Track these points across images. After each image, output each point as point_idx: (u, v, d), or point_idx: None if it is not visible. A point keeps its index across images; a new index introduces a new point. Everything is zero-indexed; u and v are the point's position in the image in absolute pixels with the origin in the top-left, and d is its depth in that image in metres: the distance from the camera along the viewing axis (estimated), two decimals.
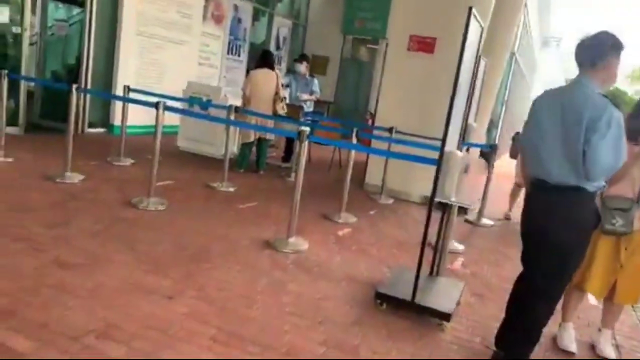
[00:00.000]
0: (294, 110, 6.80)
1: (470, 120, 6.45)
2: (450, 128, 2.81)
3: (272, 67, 6.55)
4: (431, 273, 3.47)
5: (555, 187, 2.25)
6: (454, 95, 2.75)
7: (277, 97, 6.50)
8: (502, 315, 3.32)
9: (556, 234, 2.25)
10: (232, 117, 5.70)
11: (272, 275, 3.36)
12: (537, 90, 26.58)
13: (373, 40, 13.17)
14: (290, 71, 7.84)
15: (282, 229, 4.24)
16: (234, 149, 7.04)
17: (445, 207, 3.41)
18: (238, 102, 6.69)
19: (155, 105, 4.37)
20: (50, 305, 2.53)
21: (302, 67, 7.36)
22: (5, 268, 2.86)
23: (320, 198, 5.66)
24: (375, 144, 6.34)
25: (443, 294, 3.19)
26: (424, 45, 6.22)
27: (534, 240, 2.36)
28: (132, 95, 6.03)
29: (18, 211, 3.82)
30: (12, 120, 6.53)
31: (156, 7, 8.07)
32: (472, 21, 2.80)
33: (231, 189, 5.57)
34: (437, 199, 2.85)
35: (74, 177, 4.91)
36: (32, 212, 3.83)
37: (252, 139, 6.60)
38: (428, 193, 6.47)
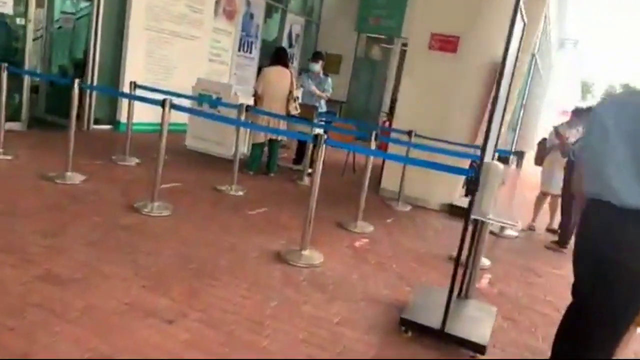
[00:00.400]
0: (308, 111, 6.49)
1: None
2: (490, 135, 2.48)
3: (286, 65, 6.25)
4: (459, 294, 3.14)
5: (622, 209, 1.92)
6: (496, 100, 2.42)
7: (290, 96, 6.19)
8: (539, 344, 3.00)
9: (624, 263, 1.91)
10: (243, 117, 5.40)
11: (284, 294, 3.05)
12: (552, 93, 26.06)
13: (388, 39, 12.83)
14: (304, 70, 7.54)
15: (294, 239, 3.93)
16: (244, 149, 6.75)
17: (476, 221, 3.08)
18: (249, 101, 6.40)
19: (162, 103, 4.07)
20: (34, 330, 2.24)
21: (318, 66, 7.04)
22: None
23: (334, 204, 5.34)
24: (392, 148, 6.01)
25: (475, 321, 2.86)
26: (446, 44, 5.88)
27: (594, 269, 2.02)
28: (138, 91, 5.75)
29: (11, 215, 3.54)
30: (15, 116, 6.29)
31: (166, 1, 7.79)
32: (517, 17, 2.47)
33: (240, 193, 5.27)
34: (473, 216, 2.52)
35: (75, 178, 4.63)
36: (25, 217, 3.54)
37: (263, 139, 6.31)
38: (447, 200, 6.21)
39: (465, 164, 6.00)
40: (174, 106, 4.16)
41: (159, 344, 2.29)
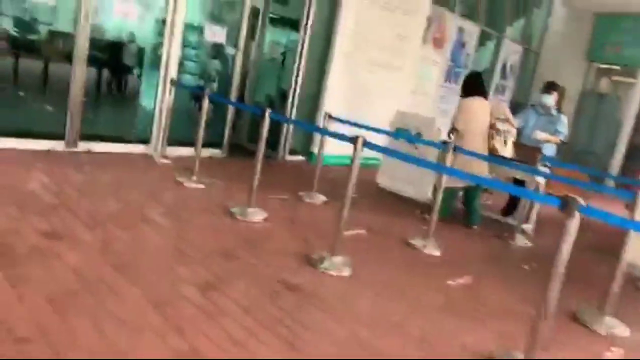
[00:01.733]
0: (530, 153, 5.20)
1: None
2: None
3: (485, 95, 5.27)
4: None
5: None
6: None
7: (493, 130, 5.09)
8: None
9: None
10: (449, 158, 4.42)
11: None
12: None
13: (627, 70, 10.56)
14: (532, 105, 6.19)
15: (510, 335, 2.83)
16: (428, 192, 5.70)
17: None
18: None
19: (353, 141, 3.37)
20: None
21: (550, 99, 5.69)
22: None
23: (564, 280, 3.95)
24: None
25: None
26: None
27: None
28: (333, 123, 5.26)
29: (178, 258, 3.16)
30: (216, 142, 6.37)
31: (372, 28, 7.32)
32: None
33: (436, 253, 4.26)
34: None
35: (256, 215, 4.22)
36: (191, 263, 3.12)
37: (462, 184, 5.20)
38: None
39: None
40: (367, 144, 3.43)
41: None
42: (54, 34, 9.34)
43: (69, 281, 2.58)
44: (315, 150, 7.18)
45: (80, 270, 2.72)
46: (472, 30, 9.37)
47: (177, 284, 2.79)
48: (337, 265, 3.43)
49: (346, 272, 3.39)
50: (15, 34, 9.08)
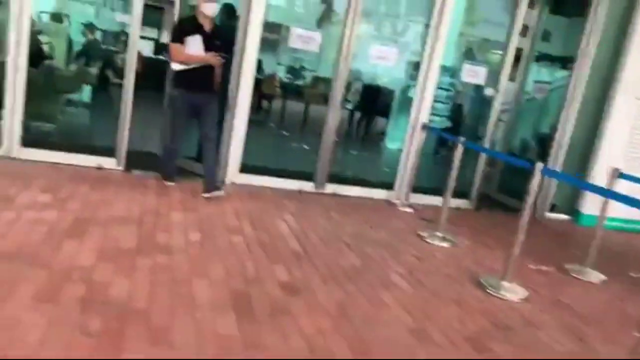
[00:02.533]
0: None
1: None
2: None
3: None
4: None
5: None
6: None
7: None
8: None
9: None
10: None
11: None
12: None
13: None
14: None
15: None
16: None
17: None
18: None
19: None
20: None
21: None
22: None
23: None
24: None
25: None
26: None
27: None
28: (619, 182, 4.11)
29: (421, 340, 2.62)
30: (464, 192, 5.74)
31: None
32: None
33: None
34: None
35: (513, 292, 3.43)
36: (435, 352, 2.55)
37: None
38: None
39: None
40: None
41: None
42: (315, 79, 10.19)
43: (298, 353, 2.30)
44: (582, 209, 5.92)
45: (312, 339, 2.42)
46: None
47: None
48: None
49: None
50: (286, 80, 10.23)
